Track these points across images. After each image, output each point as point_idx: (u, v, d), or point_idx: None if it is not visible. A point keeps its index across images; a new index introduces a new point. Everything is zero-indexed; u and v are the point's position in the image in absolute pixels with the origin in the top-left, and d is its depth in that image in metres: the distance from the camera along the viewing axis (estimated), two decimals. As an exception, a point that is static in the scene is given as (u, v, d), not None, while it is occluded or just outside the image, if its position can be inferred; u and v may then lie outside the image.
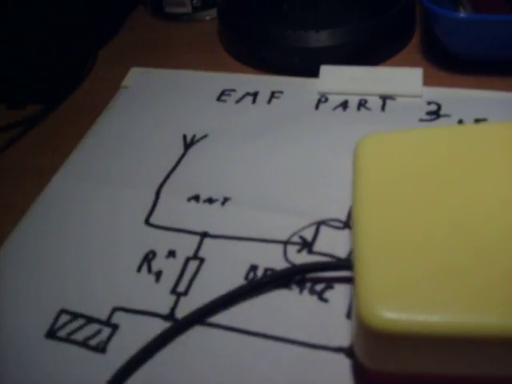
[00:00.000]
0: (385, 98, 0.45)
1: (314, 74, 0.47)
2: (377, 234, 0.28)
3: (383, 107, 0.44)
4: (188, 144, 0.43)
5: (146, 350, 0.30)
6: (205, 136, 0.43)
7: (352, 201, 0.31)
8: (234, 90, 0.47)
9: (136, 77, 0.51)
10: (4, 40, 0.46)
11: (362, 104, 0.45)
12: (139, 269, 0.35)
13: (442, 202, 0.29)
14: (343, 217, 0.37)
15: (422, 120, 0.42)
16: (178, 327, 0.31)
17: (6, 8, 0.45)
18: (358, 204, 0.30)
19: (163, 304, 0.33)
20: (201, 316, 0.32)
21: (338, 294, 0.33)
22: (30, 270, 0.36)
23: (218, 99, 0.47)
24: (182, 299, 0.33)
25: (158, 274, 0.35)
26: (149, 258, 0.36)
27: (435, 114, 0.43)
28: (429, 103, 0.44)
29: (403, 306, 0.25)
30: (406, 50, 0.52)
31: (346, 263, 0.33)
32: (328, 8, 0.46)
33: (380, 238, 0.28)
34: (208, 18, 0.58)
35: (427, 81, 0.46)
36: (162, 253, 0.36)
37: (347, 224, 0.36)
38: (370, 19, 0.48)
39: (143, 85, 0.49)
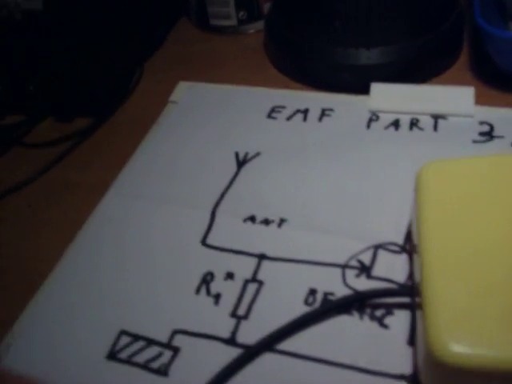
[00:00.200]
0: (436, 118, 0.45)
1: (364, 90, 0.47)
2: (445, 263, 0.28)
3: (435, 127, 0.44)
4: (241, 162, 0.43)
5: (218, 379, 0.30)
6: (257, 154, 0.44)
7: (416, 228, 0.31)
8: (283, 107, 0.47)
9: (184, 91, 0.51)
10: (53, 53, 0.47)
11: (413, 123, 0.44)
12: (198, 290, 0.35)
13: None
14: (400, 240, 0.37)
15: (475, 141, 0.42)
16: (248, 354, 0.31)
17: (58, 22, 0.46)
18: (424, 232, 0.30)
19: (224, 327, 0.33)
20: (270, 343, 0.32)
21: (399, 320, 0.33)
22: (88, 290, 0.36)
23: (269, 116, 0.47)
24: (243, 323, 0.33)
25: (217, 297, 0.35)
26: (207, 279, 0.36)
27: (488, 134, 0.43)
28: (481, 123, 0.44)
29: (474, 339, 0.25)
30: (454, 67, 0.51)
31: (407, 290, 0.33)
32: (380, 26, 0.46)
33: (448, 267, 0.28)
34: (252, 30, 0.58)
35: (478, 99, 0.45)
36: (219, 274, 0.36)
37: (404, 248, 0.36)
38: (420, 36, 0.48)
39: (192, 100, 0.50)
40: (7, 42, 0.46)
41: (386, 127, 0.45)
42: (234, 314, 0.34)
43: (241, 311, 0.34)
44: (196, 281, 0.36)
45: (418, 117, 0.45)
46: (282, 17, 0.52)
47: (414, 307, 0.32)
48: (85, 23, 0.47)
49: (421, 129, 0.44)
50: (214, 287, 0.35)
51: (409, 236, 0.36)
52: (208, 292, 0.35)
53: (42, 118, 0.50)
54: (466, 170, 0.33)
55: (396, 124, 0.45)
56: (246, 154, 0.44)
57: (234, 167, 0.43)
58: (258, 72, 0.54)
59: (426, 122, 0.45)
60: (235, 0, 0.56)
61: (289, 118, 0.46)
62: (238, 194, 0.41)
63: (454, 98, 0.45)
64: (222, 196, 0.41)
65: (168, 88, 0.52)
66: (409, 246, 0.36)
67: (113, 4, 0.51)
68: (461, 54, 0.52)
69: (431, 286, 0.27)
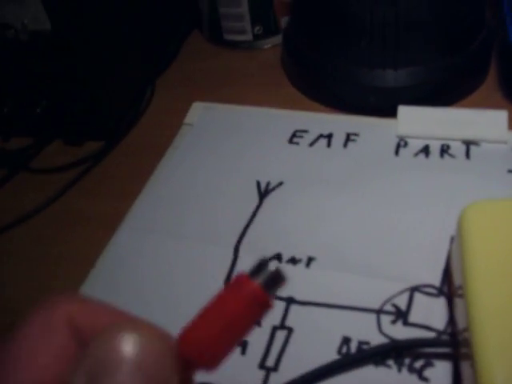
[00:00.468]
0: (468, 144, 0.42)
1: (391, 114, 0.44)
2: (495, 309, 0.26)
3: (467, 154, 0.42)
4: (263, 193, 0.41)
5: None
6: (280, 184, 0.41)
7: (461, 271, 0.29)
8: (306, 131, 0.45)
9: (200, 113, 0.48)
10: (61, 75, 0.44)
11: (444, 150, 0.42)
12: (223, 338, 0.33)
13: None
14: (437, 282, 0.34)
15: (510, 171, 0.40)
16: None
17: (66, 42, 0.43)
18: (472, 276, 0.28)
19: (252, 380, 0.31)
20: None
21: (439, 372, 0.31)
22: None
23: (290, 141, 0.44)
24: (272, 375, 0.31)
25: (244, 345, 0.32)
26: (232, 325, 0.33)
27: (525, 163, 0.40)
28: (516, 150, 0.41)
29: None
30: (482, 88, 0.49)
31: (448, 342, 0.31)
32: (408, 45, 0.43)
33: (499, 313, 0.26)
34: (268, 45, 0.56)
35: (511, 123, 0.43)
36: (245, 320, 0.33)
37: (442, 291, 0.34)
38: (449, 56, 0.45)
39: (208, 123, 0.47)
40: (14, 63, 0.43)
41: (416, 154, 0.42)
42: (262, 365, 0.31)
43: (270, 362, 0.32)
44: (220, 327, 0.33)
45: (449, 143, 0.43)
46: (301, 32, 0.49)
47: (457, 357, 0.30)
48: (94, 43, 0.44)
49: (452, 156, 0.42)
50: (240, 335, 0.33)
51: (446, 277, 0.34)
52: (234, 340, 0.32)
53: (50, 141, 0.48)
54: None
55: (426, 151, 0.42)
56: (268, 183, 0.41)
57: (255, 198, 0.40)
58: (276, 90, 0.51)
59: (458, 148, 0.42)
60: (251, 14, 0.53)
61: (312, 144, 0.44)
62: (261, 229, 0.38)
63: (486, 122, 0.43)
64: (245, 231, 0.38)
65: (181, 107, 0.50)
66: (447, 289, 0.34)
67: (122, 22, 0.48)
68: (488, 74, 0.50)
69: (482, 334, 0.25)
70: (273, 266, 0.17)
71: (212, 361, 0.17)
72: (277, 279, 0.17)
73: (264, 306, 0.17)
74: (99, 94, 0.46)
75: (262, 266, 0.17)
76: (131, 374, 0.15)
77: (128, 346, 0.16)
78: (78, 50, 0.43)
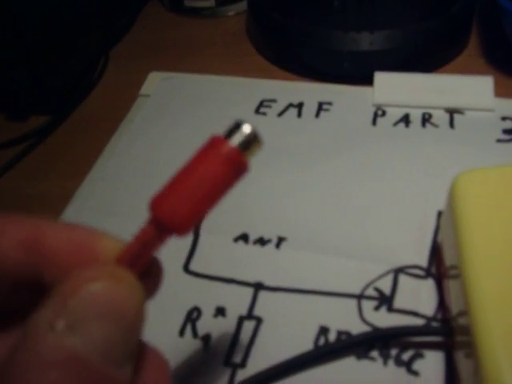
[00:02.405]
0: (452, 112, 0.39)
1: (367, 81, 0.41)
2: (498, 289, 0.23)
3: (451, 123, 0.38)
4: (227, 168, 0.36)
5: None
6: (246, 158, 0.37)
7: (454, 251, 0.26)
8: (274, 101, 0.41)
9: (157, 83, 0.44)
10: (1, 40, 0.39)
11: (426, 119, 0.38)
12: (182, 332, 0.29)
13: None
14: (424, 262, 0.31)
15: (499, 141, 0.37)
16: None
17: (4, 5, 0.38)
18: (470, 258, 0.25)
19: (216, 379, 0.27)
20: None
21: (430, 364, 0.27)
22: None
23: (257, 111, 0.40)
24: (240, 373, 0.27)
25: (206, 339, 0.28)
26: (193, 317, 0.29)
27: (514, 132, 0.37)
28: (503, 119, 0.38)
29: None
30: (465, 54, 0.45)
31: (439, 329, 0.27)
32: (385, 5, 0.40)
33: (503, 294, 0.23)
34: (233, 12, 0.51)
35: (497, 91, 0.39)
36: (208, 310, 0.29)
37: (430, 272, 0.30)
38: (429, 18, 0.41)
39: (167, 93, 0.43)
40: None
41: (395, 124, 0.38)
42: (227, 362, 0.27)
43: (237, 358, 0.28)
44: (179, 319, 0.29)
45: (431, 111, 0.39)
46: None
47: (450, 346, 0.27)
48: (37, 8, 0.39)
49: (435, 125, 0.38)
50: (202, 327, 0.29)
51: (434, 256, 0.30)
52: (195, 333, 0.28)
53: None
54: (508, 178, 0.27)
55: (406, 120, 0.39)
56: (233, 157, 0.37)
57: (219, 174, 0.36)
58: (241, 60, 0.47)
59: (441, 117, 0.39)
60: (213, -23, 0.49)
61: (281, 114, 0.40)
62: (225, 207, 0.34)
63: (471, 89, 0.39)
64: (207, 210, 0.34)
65: (137, 79, 0.45)
66: (436, 270, 0.30)
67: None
68: (470, 39, 0.46)
69: (483, 319, 0.22)
70: (249, 128, 0.17)
71: (184, 224, 0.16)
72: (253, 140, 0.17)
73: (240, 168, 0.17)
74: (44, 63, 0.42)
75: (236, 127, 0.17)
76: (109, 326, 0.15)
77: (104, 297, 0.15)
78: (20, 16, 0.38)
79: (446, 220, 0.28)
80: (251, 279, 0.30)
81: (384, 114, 0.39)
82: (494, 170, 0.28)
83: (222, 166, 0.16)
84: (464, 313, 0.23)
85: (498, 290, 0.23)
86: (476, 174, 0.27)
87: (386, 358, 0.27)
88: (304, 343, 0.28)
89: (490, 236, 0.25)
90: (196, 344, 0.28)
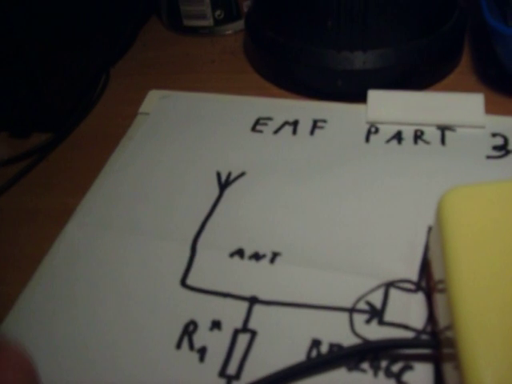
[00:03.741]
0: (443, 129, 0.40)
1: (360, 99, 0.42)
2: (482, 304, 0.23)
3: (443, 140, 0.39)
4: (223, 184, 0.37)
5: None
6: (242, 174, 0.38)
7: (442, 265, 0.26)
8: (270, 119, 0.42)
9: (156, 101, 0.45)
10: (4, 59, 0.40)
11: (418, 136, 0.39)
12: (179, 345, 0.29)
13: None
14: (414, 276, 0.31)
15: (489, 157, 0.37)
16: None
17: (5, 23, 0.39)
18: (455, 274, 0.25)
19: (211, 390, 0.28)
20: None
21: (420, 376, 0.28)
22: (42, 343, 0.30)
23: (253, 129, 0.41)
24: (234, 384, 0.28)
25: (202, 352, 0.29)
26: (189, 330, 0.30)
27: (503, 149, 0.38)
28: (494, 135, 0.39)
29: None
30: (456, 71, 0.46)
31: (428, 342, 0.28)
32: (377, 25, 0.41)
33: (487, 309, 0.23)
34: (231, 31, 0.53)
35: (488, 108, 0.40)
36: (204, 324, 0.30)
37: (420, 286, 0.31)
38: (421, 38, 0.42)
39: (166, 111, 0.44)
40: None
41: (388, 141, 0.39)
42: (222, 373, 0.28)
43: (231, 370, 0.28)
44: (176, 332, 0.30)
45: (423, 128, 0.40)
46: (264, 15, 0.46)
47: (439, 359, 0.27)
48: (39, 26, 0.41)
49: (427, 142, 0.39)
50: (198, 340, 0.30)
51: (424, 271, 0.31)
52: (191, 346, 0.29)
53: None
54: (495, 195, 0.28)
55: (399, 137, 0.39)
56: (229, 174, 0.38)
57: (215, 190, 0.37)
58: (238, 78, 0.48)
59: (432, 134, 0.40)
60: (211, -3, 0.50)
61: (276, 132, 0.41)
62: (221, 223, 0.35)
63: (461, 106, 0.40)
64: (203, 225, 0.35)
65: (138, 97, 0.46)
66: (426, 284, 0.31)
67: (72, 5, 0.44)
68: (462, 57, 0.47)
69: (467, 333, 0.23)
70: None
71: None
72: None
73: None
74: (45, 81, 0.43)
75: None
76: None
77: None
78: (21, 34, 0.39)
79: (434, 235, 0.29)
80: (246, 293, 0.31)
81: (377, 131, 0.40)
82: (481, 187, 0.28)
83: None
84: (450, 326, 0.24)
85: (482, 304, 0.23)
86: (463, 190, 0.28)
87: (376, 369, 0.28)
88: (297, 355, 0.28)
89: (476, 251, 0.25)
90: (192, 356, 0.29)
